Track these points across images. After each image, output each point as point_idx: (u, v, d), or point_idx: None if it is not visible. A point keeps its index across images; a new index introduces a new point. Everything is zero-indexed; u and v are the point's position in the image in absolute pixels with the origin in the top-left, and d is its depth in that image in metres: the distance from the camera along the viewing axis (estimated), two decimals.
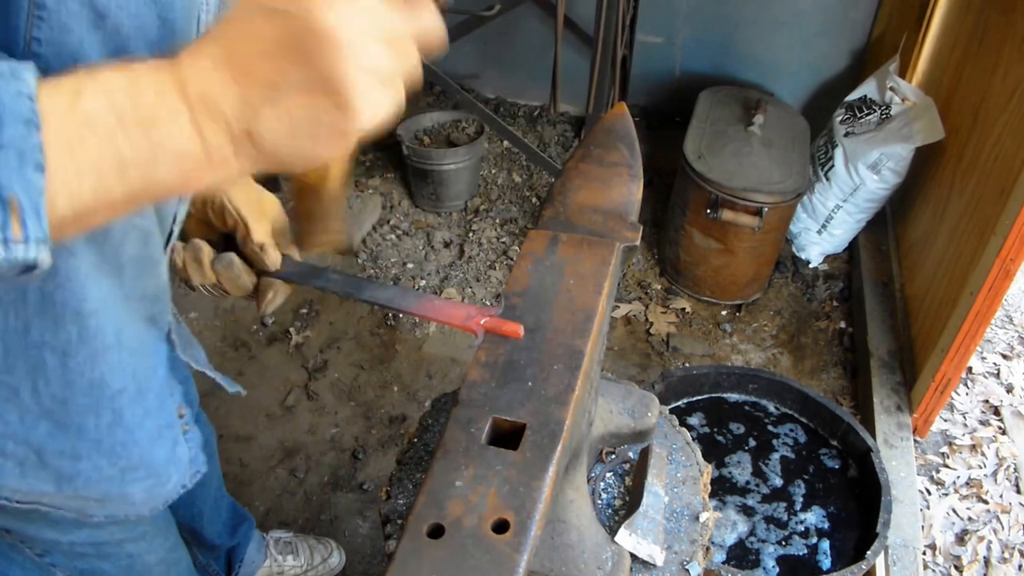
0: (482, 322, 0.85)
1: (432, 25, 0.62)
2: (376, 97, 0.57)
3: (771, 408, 2.18)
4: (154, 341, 0.95)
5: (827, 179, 2.87)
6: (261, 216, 1.00)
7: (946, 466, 2.32)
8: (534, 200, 3.32)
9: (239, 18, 0.57)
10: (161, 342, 0.98)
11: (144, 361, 0.93)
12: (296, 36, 0.54)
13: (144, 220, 0.82)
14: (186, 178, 0.57)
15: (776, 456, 2.08)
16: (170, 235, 0.93)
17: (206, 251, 0.98)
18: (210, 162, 0.57)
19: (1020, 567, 2.08)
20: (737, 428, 2.13)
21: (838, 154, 2.83)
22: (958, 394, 2.55)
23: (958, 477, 2.28)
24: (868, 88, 2.91)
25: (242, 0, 0.57)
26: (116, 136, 0.53)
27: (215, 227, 1.01)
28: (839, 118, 2.92)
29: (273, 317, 2.76)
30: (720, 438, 2.11)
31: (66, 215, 0.54)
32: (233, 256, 0.98)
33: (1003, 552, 2.11)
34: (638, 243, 1.01)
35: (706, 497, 1.24)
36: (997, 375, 2.65)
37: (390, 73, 0.58)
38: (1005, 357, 2.73)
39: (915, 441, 2.32)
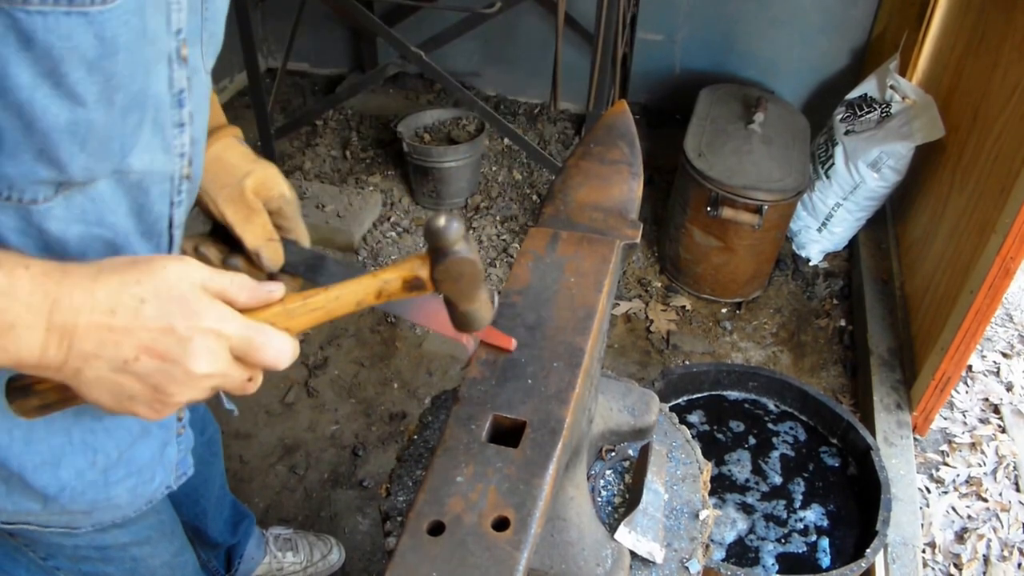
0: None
1: (253, 390, 0.74)
2: (173, 412, 0.71)
3: (771, 406, 2.18)
4: None
5: (827, 177, 2.87)
6: (250, 214, 0.97)
7: (946, 464, 2.32)
8: (534, 198, 3.32)
9: (141, 298, 0.66)
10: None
11: None
12: (171, 354, 0.66)
13: (105, 230, 0.80)
14: (18, 369, 0.67)
15: (776, 454, 2.08)
16: (171, 241, 0.92)
17: (215, 256, 0.97)
18: (35, 368, 0.66)
19: (1020, 565, 2.09)
20: (737, 426, 2.14)
21: (838, 152, 2.83)
22: (958, 392, 2.55)
23: (958, 475, 2.28)
24: (868, 86, 2.91)
25: (154, 284, 0.66)
26: None
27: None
28: (839, 116, 2.92)
29: None
30: (720, 436, 2.11)
31: None
32: (240, 262, 0.97)
33: (1002, 550, 2.11)
34: (638, 241, 1.01)
35: (706, 495, 1.24)
36: (997, 373, 2.65)
37: (197, 401, 0.72)
38: (1005, 355, 2.73)
39: (915, 439, 2.32)
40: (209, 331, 0.67)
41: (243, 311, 0.71)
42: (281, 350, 0.71)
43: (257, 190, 0.98)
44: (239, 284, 0.72)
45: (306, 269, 0.98)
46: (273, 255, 0.97)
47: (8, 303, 0.63)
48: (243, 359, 0.70)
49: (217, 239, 1.00)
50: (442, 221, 0.72)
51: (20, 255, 0.65)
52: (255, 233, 0.96)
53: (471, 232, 3.13)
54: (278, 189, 0.99)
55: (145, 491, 1.04)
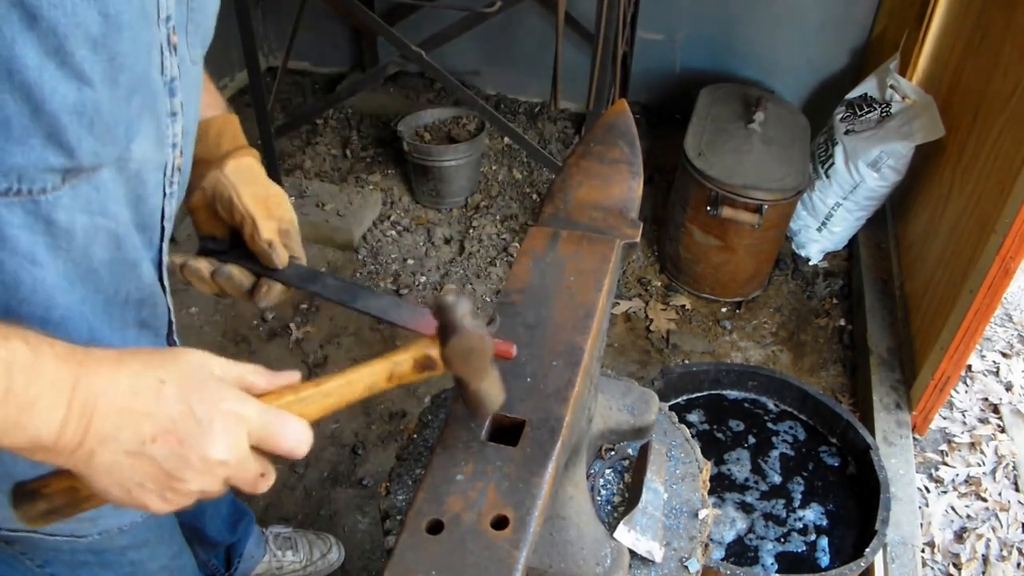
0: None
1: (265, 487, 0.73)
2: (183, 504, 0.70)
3: (770, 405, 2.18)
4: (149, 345, 0.95)
5: (827, 177, 2.87)
6: (268, 215, 1.00)
7: (945, 464, 2.32)
8: (535, 197, 3.32)
9: (162, 380, 0.66)
10: (158, 345, 0.97)
11: None
12: (190, 439, 0.65)
13: (109, 221, 0.81)
14: (24, 451, 0.64)
15: (775, 453, 2.08)
16: (162, 233, 0.92)
17: (204, 268, 0.98)
18: (47, 450, 0.64)
19: (1019, 565, 2.09)
20: (736, 425, 2.14)
21: (838, 152, 2.83)
22: (957, 392, 2.55)
23: (957, 475, 2.28)
24: (868, 86, 2.91)
25: (175, 369, 0.67)
26: None
27: (224, 220, 1.01)
28: (839, 116, 2.92)
29: (273, 312, 2.76)
30: (719, 435, 2.11)
31: None
32: (232, 269, 0.98)
33: (1002, 550, 2.12)
34: (638, 240, 1.01)
35: (705, 494, 1.24)
36: (996, 373, 2.65)
37: (206, 497, 0.71)
38: (1004, 355, 2.73)
39: (914, 439, 2.32)
40: (229, 414, 0.67)
41: (259, 397, 0.72)
42: (300, 437, 0.71)
43: (276, 202, 1.02)
44: (255, 371, 0.73)
45: (301, 280, 0.99)
46: (282, 251, 1.00)
47: (33, 379, 0.61)
48: (261, 445, 0.70)
49: (205, 255, 1.02)
50: (451, 298, 0.73)
51: (43, 335, 0.65)
52: (270, 229, 1.00)
53: (471, 231, 3.13)
54: (290, 213, 1.04)
55: None
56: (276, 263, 0.98)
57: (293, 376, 0.75)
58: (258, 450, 0.70)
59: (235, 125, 1.04)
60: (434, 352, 0.75)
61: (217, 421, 0.66)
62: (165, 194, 0.89)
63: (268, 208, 1.00)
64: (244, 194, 0.99)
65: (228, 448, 0.67)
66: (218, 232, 1.03)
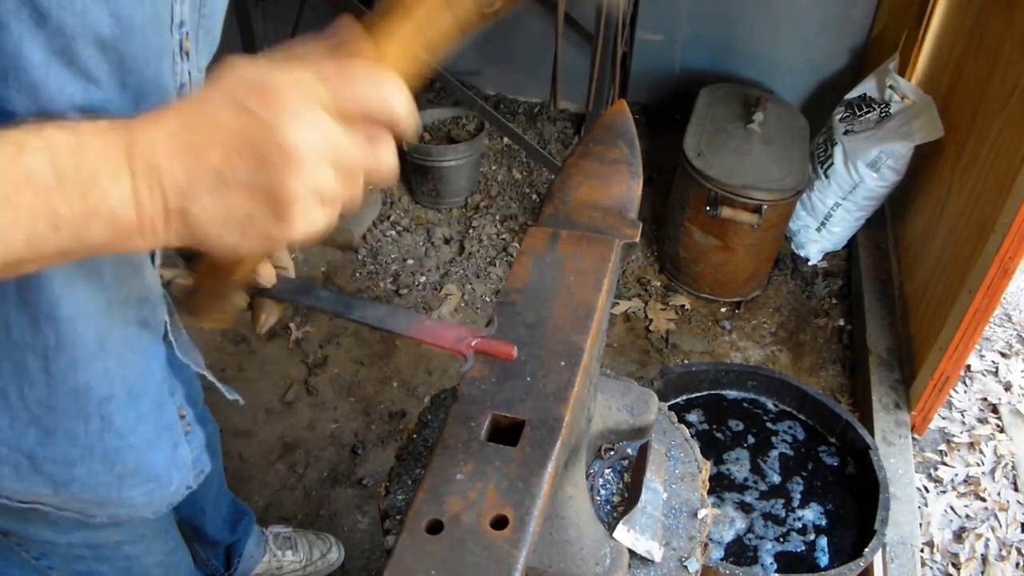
0: (472, 344, 0.84)
1: (387, 163, 0.62)
2: (313, 216, 0.59)
3: (770, 405, 2.18)
4: (148, 345, 0.94)
5: (826, 177, 2.87)
6: None
7: (944, 464, 2.33)
8: (534, 197, 3.32)
9: (207, 101, 0.57)
10: (157, 344, 0.97)
11: (136, 366, 0.92)
12: (258, 140, 0.55)
13: None
14: (115, 241, 0.58)
15: (775, 453, 2.08)
16: None
17: (190, 284, 0.98)
18: (140, 230, 0.58)
19: (1018, 565, 2.09)
20: (736, 425, 2.14)
21: (837, 152, 2.83)
22: (956, 392, 2.55)
23: (956, 475, 2.29)
24: (868, 86, 2.92)
25: (215, 85, 0.58)
26: (53, 194, 0.54)
27: None
28: (839, 116, 2.92)
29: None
30: (719, 435, 2.12)
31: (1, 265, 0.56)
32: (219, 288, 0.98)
33: (1001, 550, 2.12)
34: (638, 240, 1.01)
35: (704, 494, 1.24)
36: (996, 373, 2.65)
37: (332, 198, 0.59)
38: (1004, 355, 2.73)
39: (913, 439, 2.32)
40: (289, 92, 0.56)
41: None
42: (384, 78, 0.60)
43: None
44: (304, 43, 0.63)
45: (293, 294, 0.99)
46: (267, 270, 0.99)
47: (83, 157, 0.55)
48: (344, 108, 0.59)
49: (192, 267, 1.02)
50: None
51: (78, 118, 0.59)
52: None
53: (471, 231, 3.13)
54: None
55: (163, 496, 1.04)
56: (263, 283, 0.98)
57: (350, 29, 0.64)
58: (351, 120, 0.59)
59: None
60: None
61: (278, 107, 0.56)
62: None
63: None
64: None
65: (304, 126, 0.56)
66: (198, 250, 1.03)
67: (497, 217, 3.20)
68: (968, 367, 2.64)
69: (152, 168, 0.56)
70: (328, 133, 0.57)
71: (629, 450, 1.31)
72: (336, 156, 0.58)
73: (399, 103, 0.60)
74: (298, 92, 0.57)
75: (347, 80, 0.59)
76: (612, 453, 1.30)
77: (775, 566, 1.85)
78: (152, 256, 0.93)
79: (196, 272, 0.64)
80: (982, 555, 2.10)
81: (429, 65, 0.62)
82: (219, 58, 0.91)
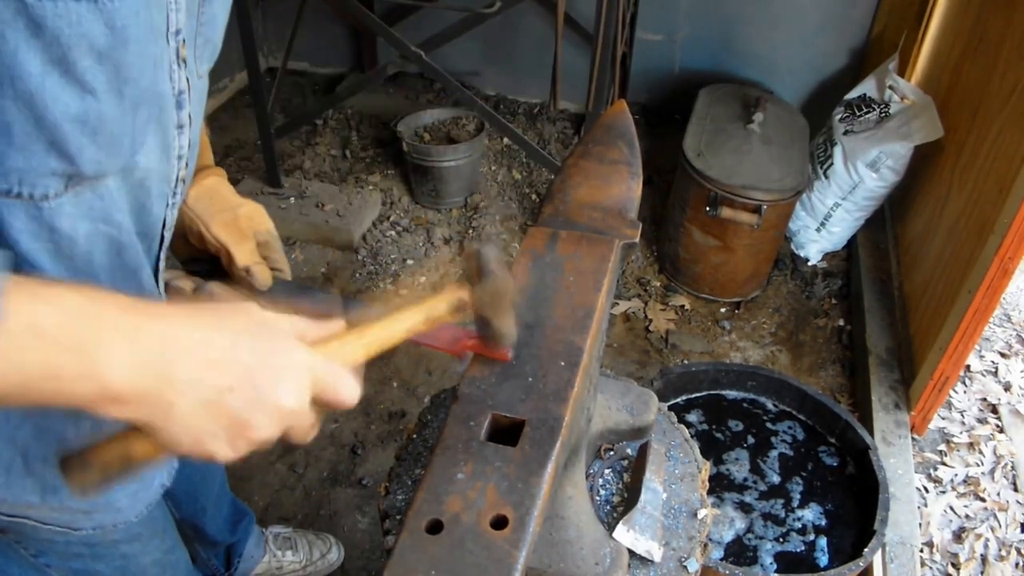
0: (469, 344, 0.84)
1: (310, 439, 0.73)
2: (241, 453, 0.69)
3: (769, 405, 2.18)
4: None
5: (826, 177, 2.88)
6: (242, 237, 1.01)
7: (944, 464, 2.33)
8: (534, 197, 3.32)
9: (235, 332, 0.66)
10: None
11: None
12: (264, 389, 0.66)
13: (112, 228, 0.81)
14: (103, 401, 0.62)
15: (774, 453, 2.08)
16: (161, 242, 0.92)
17: (187, 286, 0.98)
18: (126, 397, 0.62)
19: (1017, 565, 2.09)
20: (736, 425, 2.14)
21: (837, 152, 2.84)
22: (956, 392, 2.55)
23: (956, 475, 2.29)
24: (867, 86, 2.92)
25: (242, 320, 0.68)
26: (59, 351, 0.59)
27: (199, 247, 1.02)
28: (838, 116, 2.92)
29: None
30: (718, 435, 2.12)
31: None
32: (214, 287, 0.98)
33: (1000, 550, 2.12)
34: (637, 240, 1.01)
35: (704, 494, 1.25)
36: (995, 373, 2.65)
37: (268, 442, 0.70)
38: (1003, 355, 2.73)
39: (913, 439, 2.32)
40: (299, 365, 0.68)
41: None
42: (352, 388, 0.72)
43: (247, 222, 1.02)
44: (307, 322, 0.73)
45: (289, 297, 0.99)
46: (263, 273, 1.01)
47: (94, 325, 0.60)
48: (319, 396, 0.71)
49: (187, 273, 1.02)
50: (482, 247, 0.79)
51: (97, 288, 0.63)
52: (246, 254, 1.00)
53: (471, 231, 3.13)
54: (266, 224, 1.05)
55: (146, 496, 1.05)
56: (259, 287, 0.98)
57: (339, 324, 0.76)
58: (314, 401, 0.71)
59: (202, 143, 1.04)
60: (466, 296, 0.80)
61: (289, 371, 0.67)
62: (168, 204, 0.89)
63: (240, 230, 1.01)
64: (213, 224, 1.00)
65: (295, 398, 0.67)
66: (197, 254, 1.03)
67: (497, 217, 3.20)
68: (968, 367, 2.64)
69: (163, 359, 0.62)
70: (300, 409, 0.69)
71: (629, 450, 1.31)
72: (292, 426, 0.70)
73: (352, 405, 0.73)
74: (303, 368, 0.68)
75: (333, 380, 0.71)
76: (612, 453, 1.30)
77: (775, 566, 1.85)
78: (155, 263, 0.93)
79: (100, 450, 0.68)
80: (982, 555, 2.10)
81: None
82: (219, 62, 0.92)
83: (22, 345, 0.57)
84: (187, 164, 0.88)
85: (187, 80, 0.81)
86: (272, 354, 0.67)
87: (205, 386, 0.64)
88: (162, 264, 0.95)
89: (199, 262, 1.05)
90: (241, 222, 1.02)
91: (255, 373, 0.66)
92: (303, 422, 0.71)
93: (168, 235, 0.93)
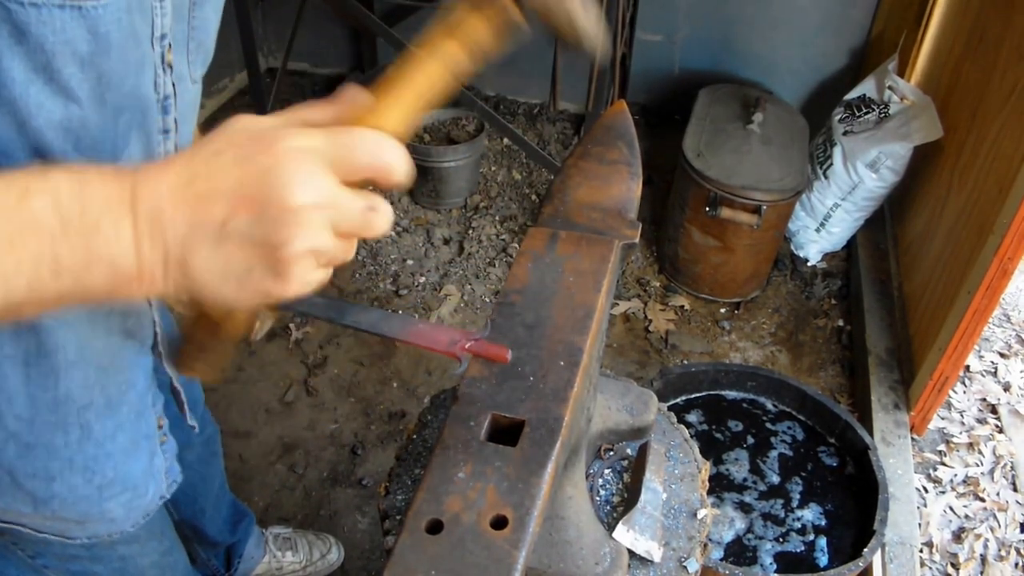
0: (467, 347, 0.84)
1: (381, 228, 0.62)
2: (309, 275, 0.59)
3: (769, 406, 2.18)
4: (132, 355, 0.94)
5: (826, 177, 2.88)
6: None
7: (943, 464, 2.33)
8: (534, 197, 3.32)
9: (212, 152, 0.58)
10: (142, 355, 0.96)
11: (116, 376, 0.92)
12: (263, 197, 0.56)
13: None
14: (114, 289, 0.58)
15: (774, 453, 2.08)
16: None
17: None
18: (140, 278, 0.57)
19: (1017, 565, 2.09)
20: (735, 425, 2.14)
21: (837, 152, 2.84)
22: (956, 392, 2.56)
23: (955, 475, 2.29)
24: (867, 87, 2.92)
25: (221, 135, 0.59)
26: (57, 240, 0.54)
27: None
28: (838, 116, 2.92)
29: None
30: (718, 435, 2.12)
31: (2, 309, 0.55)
32: None
33: (1000, 550, 2.12)
34: (637, 241, 1.01)
35: (704, 494, 1.25)
36: (995, 373, 2.65)
37: (329, 258, 0.60)
38: (1003, 355, 2.73)
39: (913, 439, 2.33)
40: (291, 151, 0.57)
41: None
42: (385, 144, 0.60)
43: None
44: (310, 107, 0.64)
45: (285, 304, 0.98)
46: None
47: (87, 204, 0.55)
48: (349, 172, 0.59)
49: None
50: None
51: (83, 164, 0.59)
52: None
53: (470, 232, 3.13)
54: None
55: (140, 504, 1.05)
56: None
57: (353, 95, 0.65)
58: (350, 183, 0.60)
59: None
60: (510, 6, 0.64)
61: (282, 164, 0.56)
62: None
63: None
64: None
65: (309, 187, 0.56)
66: None
67: (496, 218, 3.20)
68: (967, 367, 2.65)
69: (155, 218, 0.56)
70: (329, 196, 0.57)
71: (629, 450, 1.31)
72: (335, 218, 0.58)
73: (398, 168, 0.61)
74: (302, 151, 0.57)
75: (350, 144, 0.59)
76: (612, 453, 1.30)
77: (774, 566, 1.85)
78: None
79: (187, 324, 0.64)
80: (981, 555, 2.10)
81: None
82: (214, 65, 0.91)
83: (16, 240, 0.53)
84: None
85: (173, 85, 0.81)
86: (261, 154, 0.56)
87: (203, 227, 0.56)
88: None
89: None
90: None
91: (247, 186, 0.56)
92: (347, 212, 0.59)
93: None
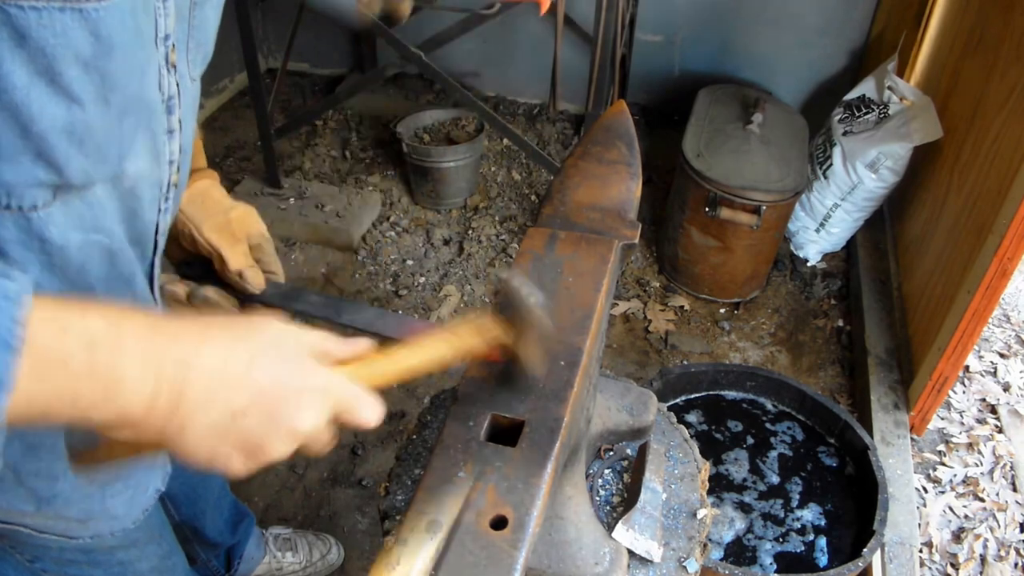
0: None
1: (323, 451, 0.72)
2: (259, 468, 0.69)
3: (769, 406, 2.18)
4: None
5: (825, 178, 2.88)
6: (234, 240, 1.00)
7: (943, 464, 2.33)
8: (533, 198, 3.32)
9: (259, 350, 0.66)
10: None
11: None
12: (279, 415, 0.66)
13: (103, 237, 0.80)
14: (114, 425, 0.63)
15: (774, 453, 2.08)
16: (155, 247, 0.92)
17: (181, 290, 0.98)
18: (137, 425, 0.63)
19: (1016, 565, 2.09)
20: (735, 425, 2.14)
21: (836, 153, 2.84)
22: (955, 392, 2.56)
23: (955, 475, 2.29)
24: (866, 87, 2.92)
25: (256, 334, 0.67)
26: (81, 381, 0.59)
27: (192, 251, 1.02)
28: (837, 117, 2.93)
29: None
30: (718, 435, 2.12)
31: (13, 420, 0.59)
32: (208, 291, 0.98)
33: (999, 550, 2.12)
34: (637, 241, 1.01)
35: (703, 494, 1.25)
36: (994, 374, 2.66)
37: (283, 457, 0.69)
38: (1002, 356, 2.73)
39: (912, 439, 2.33)
40: (317, 388, 0.68)
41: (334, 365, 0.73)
42: (374, 410, 0.72)
43: (240, 224, 1.02)
44: (331, 339, 0.73)
45: (283, 299, 0.99)
46: (256, 276, 1.01)
47: (118, 356, 0.60)
48: (339, 418, 0.70)
49: (180, 277, 1.02)
50: (516, 282, 0.76)
51: (120, 308, 0.64)
52: (239, 257, 1.00)
53: (470, 232, 3.13)
54: (258, 227, 1.04)
55: (141, 500, 1.05)
56: (252, 290, 0.98)
57: (365, 344, 0.75)
58: (333, 421, 0.71)
59: (195, 146, 1.03)
60: (503, 336, 0.77)
61: (306, 394, 0.67)
62: (160, 210, 0.88)
63: (233, 233, 1.00)
64: (205, 228, 1.00)
65: (312, 421, 0.67)
66: (190, 258, 1.03)
67: (496, 218, 3.20)
68: (967, 368, 2.65)
69: (177, 382, 0.62)
70: (320, 432, 0.69)
71: (628, 450, 1.31)
72: (307, 445, 0.70)
73: (372, 423, 0.72)
74: (321, 393, 0.68)
75: (352, 402, 0.70)
76: (611, 453, 1.30)
77: (774, 566, 1.85)
78: (150, 269, 0.93)
79: (106, 443, 0.70)
80: (981, 555, 2.10)
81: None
82: (212, 66, 0.92)
83: (45, 375, 0.58)
84: (179, 169, 0.88)
85: (177, 85, 0.81)
86: (289, 376, 0.67)
87: (218, 409, 0.64)
88: (157, 270, 0.94)
89: (192, 265, 1.04)
90: (233, 225, 1.02)
91: (270, 396, 0.65)
92: (318, 442, 0.71)
93: (162, 240, 0.92)
